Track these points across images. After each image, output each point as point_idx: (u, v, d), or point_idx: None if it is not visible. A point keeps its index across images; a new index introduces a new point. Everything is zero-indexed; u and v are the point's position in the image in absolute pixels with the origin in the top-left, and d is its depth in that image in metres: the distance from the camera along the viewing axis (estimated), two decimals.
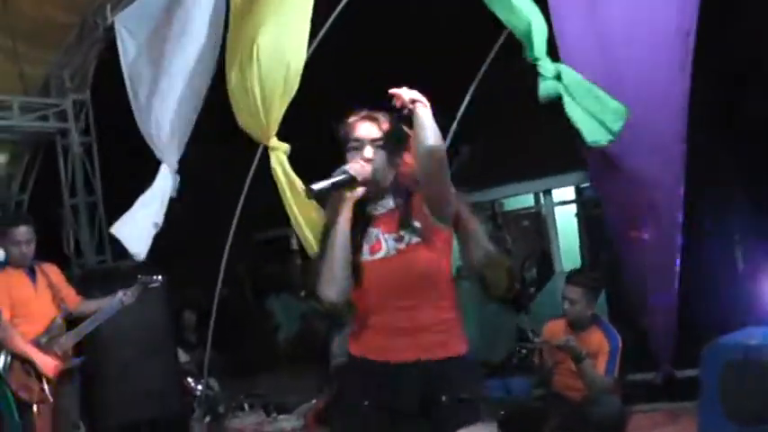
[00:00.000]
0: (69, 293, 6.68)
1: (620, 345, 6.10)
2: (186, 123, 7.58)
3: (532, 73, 5.87)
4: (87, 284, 7.15)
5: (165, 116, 7.59)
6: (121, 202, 10.28)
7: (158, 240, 7.48)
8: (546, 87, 5.77)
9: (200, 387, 9.21)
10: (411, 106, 3.14)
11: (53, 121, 9.54)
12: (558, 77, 5.86)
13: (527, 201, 15.15)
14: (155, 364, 7.97)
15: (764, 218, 7.16)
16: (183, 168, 7.75)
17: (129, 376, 7.66)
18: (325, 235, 3.37)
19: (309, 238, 6.45)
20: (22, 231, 6.42)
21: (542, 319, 8.24)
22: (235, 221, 9.12)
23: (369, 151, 3.35)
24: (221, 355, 10.51)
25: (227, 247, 9.25)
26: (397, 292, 3.33)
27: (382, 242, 3.37)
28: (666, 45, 6.09)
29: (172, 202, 7.69)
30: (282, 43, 6.21)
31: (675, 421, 6.50)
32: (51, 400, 6.28)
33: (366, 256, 3.37)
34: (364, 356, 3.43)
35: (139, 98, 7.96)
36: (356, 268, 3.34)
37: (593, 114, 5.80)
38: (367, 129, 3.40)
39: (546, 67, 5.84)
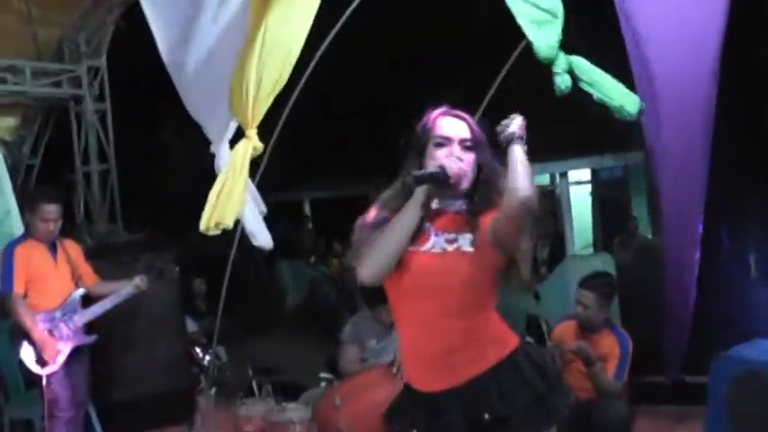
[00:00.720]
0: (87, 271, 6.72)
1: (631, 349, 6.12)
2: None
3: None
4: (98, 258, 7.11)
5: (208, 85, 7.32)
6: (135, 171, 10.35)
7: (171, 207, 7.39)
8: (560, 82, 5.69)
9: (207, 357, 9.18)
10: (514, 135, 3.12)
11: (66, 87, 9.46)
12: (571, 71, 5.79)
13: (542, 180, 15.12)
14: (162, 337, 8.00)
15: None
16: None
17: (136, 350, 7.68)
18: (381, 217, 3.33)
19: (212, 220, 6.27)
20: (53, 210, 6.45)
21: (552, 302, 8.28)
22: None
23: (459, 151, 3.27)
24: (229, 321, 10.48)
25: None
26: (429, 291, 3.24)
27: (431, 237, 3.28)
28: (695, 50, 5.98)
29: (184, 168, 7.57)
30: (289, 25, 6.09)
31: (681, 425, 6.50)
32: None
33: (410, 245, 3.27)
34: (414, 386, 3.39)
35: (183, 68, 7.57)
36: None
37: (611, 96, 5.75)
38: (457, 127, 3.32)
39: (558, 63, 5.77)
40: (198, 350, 8.98)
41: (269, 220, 9.12)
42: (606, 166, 15.16)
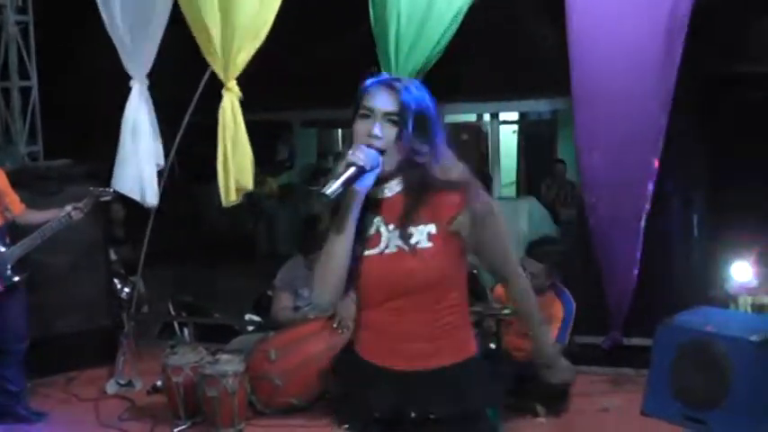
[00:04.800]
0: (14, 200, 6.30)
1: (574, 313, 6.05)
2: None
3: None
4: (19, 184, 6.67)
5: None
6: (59, 89, 9.86)
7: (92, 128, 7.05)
8: None
9: (126, 290, 8.90)
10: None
11: None
12: None
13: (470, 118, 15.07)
14: (85, 270, 7.64)
15: (721, 191, 7.25)
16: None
17: (56, 284, 7.29)
18: (324, 234, 3.00)
19: (232, 188, 6.65)
20: None
21: None
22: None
23: (377, 127, 2.93)
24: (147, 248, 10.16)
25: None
26: (388, 293, 3.00)
27: (382, 234, 3.00)
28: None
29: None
30: None
31: (618, 388, 6.48)
32: None
33: (364, 249, 3.02)
34: (366, 359, 3.13)
35: None
36: (354, 259, 3.00)
37: None
38: (383, 98, 2.97)
39: None
40: (117, 282, 8.69)
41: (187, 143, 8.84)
42: (538, 109, 15.15)
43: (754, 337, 5.29)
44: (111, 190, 6.53)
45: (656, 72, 5.97)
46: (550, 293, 6.10)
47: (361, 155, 2.85)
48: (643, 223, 6.17)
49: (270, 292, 7.23)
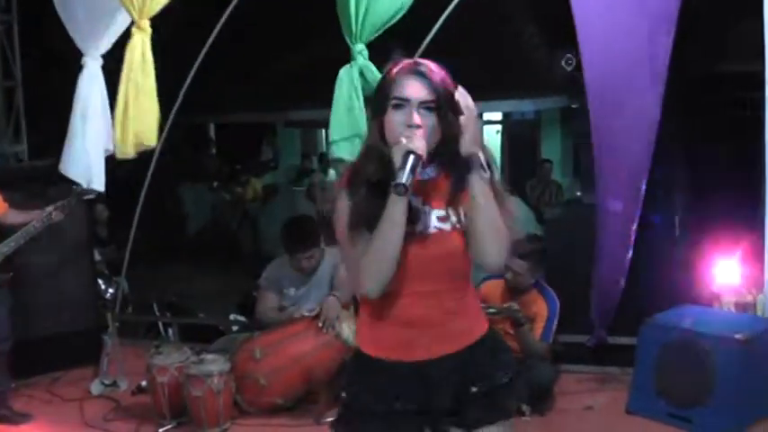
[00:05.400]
0: None
1: (558, 310, 6.07)
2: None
3: None
4: (4, 185, 6.63)
5: None
6: (43, 89, 9.82)
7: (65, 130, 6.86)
8: None
9: (111, 290, 8.89)
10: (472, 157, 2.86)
11: None
12: None
13: None
14: (70, 270, 7.58)
15: (705, 190, 7.29)
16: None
17: (41, 285, 7.26)
18: (365, 223, 2.94)
19: (129, 141, 6.15)
20: None
21: None
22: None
23: (416, 117, 2.90)
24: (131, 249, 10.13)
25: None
26: (424, 275, 2.99)
27: (421, 215, 2.99)
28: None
29: None
30: None
31: (603, 387, 6.48)
32: None
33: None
34: (386, 357, 3.08)
35: None
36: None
37: None
38: (416, 87, 2.93)
39: None
40: (101, 282, 8.68)
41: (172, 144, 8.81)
42: (522, 109, 15.19)
43: (738, 336, 5.34)
44: (94, 189, 6.46)
45: (651, 74, 5.98)
46: (534, 291, 6.10)
47: (418, 143, 2.84)
48: (635, 226, 6.18)
49: (255, 292, 7.22)
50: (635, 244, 6.22)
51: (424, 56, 6.72)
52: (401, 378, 3.04)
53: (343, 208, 3.00)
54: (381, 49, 5.61)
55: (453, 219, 2.98)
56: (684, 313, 5.98)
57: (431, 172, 3.01)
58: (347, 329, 5.95)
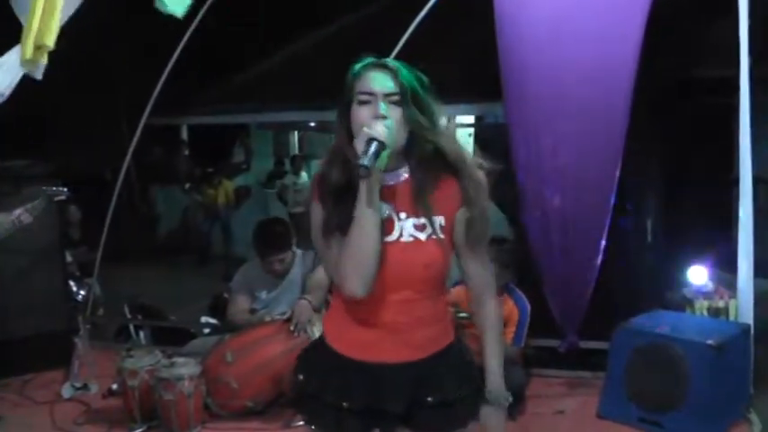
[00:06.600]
0: None
1: (529, 314, 6.08)
2: None
3: None
4: None
5: None
6: (15, 89, 9.72)
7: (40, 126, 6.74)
8: None
9: (82, 292, 8.83)
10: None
11: None
12: None
13: None
14: (40, 271, 7.50)
15: (677, 194, 7.32)
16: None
17: (10, 286, 7.19)
18: (338, 228, 2.93)
19: (30, 44, 5.66)
20: None
21: None
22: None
23: (383, 108, 2.88)
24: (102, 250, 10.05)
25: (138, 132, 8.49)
26: (398, 284, 2.97)
27: (395, 223, 2.97)
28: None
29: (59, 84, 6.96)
30: None
31: (574, 391, 6.49)
32: None
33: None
34: (346, 354, 3.08)
35: None
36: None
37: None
38: (381, 80, 2.91)
39: None
40: (72, 284, 8.61)
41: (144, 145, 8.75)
42: (495, 112, 15.18)
43: (710, 341, 5.36)
44: (65, 189, 6.39)
45: (618, 79, 6.01)
46: (505, 296, 6.08)
47: (379, 129, 2.81)
48: (605, 232, 6.20)
49: (226, 295, 7.19)
50: (608, 248, 6.25)
51: (397, 58, 6.78)
52: (355, 376, 3.04)
53: (315, 216, 3.00)
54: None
55: (429, 229, 2.96)
56: (657, 318, 5.99)
57: (401, 176, 2.99)
58: (318, 332, 5.92)
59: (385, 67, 2.93)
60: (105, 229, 8.56)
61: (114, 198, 8.56)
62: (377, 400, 3.01)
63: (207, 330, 7.72)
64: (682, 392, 5.42)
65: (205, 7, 7.63)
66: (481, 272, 3.11)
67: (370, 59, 2.98)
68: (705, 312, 6.17)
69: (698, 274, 6.41)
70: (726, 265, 6.28)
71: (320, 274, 6.21)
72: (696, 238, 6.84)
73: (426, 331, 3.04)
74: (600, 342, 6.37)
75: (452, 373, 3.08)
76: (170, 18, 6.02)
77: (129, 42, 6.95)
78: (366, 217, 2.85)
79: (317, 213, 3.00)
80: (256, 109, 15.26)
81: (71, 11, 6.17)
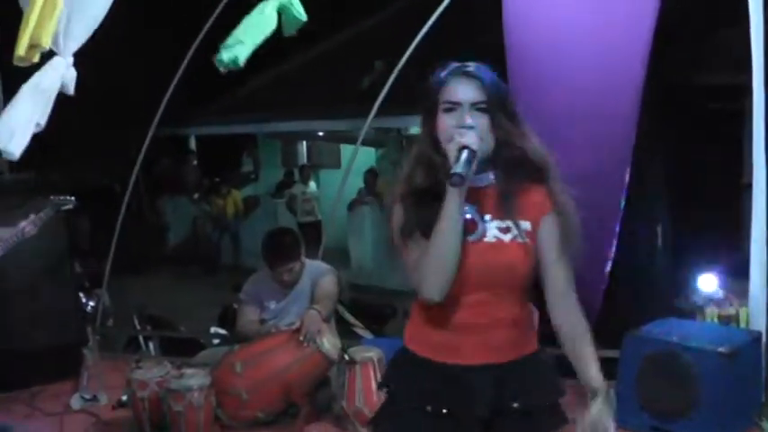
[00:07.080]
0: None
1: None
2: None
3: None
4: None
5: None
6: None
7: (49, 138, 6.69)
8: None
9: (91, 303, 8.84)
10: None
11: None
12: None
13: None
14: (49, 283, 7.49)
15: (687, 201, 7.29)
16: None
17: (20, 298, 7.19)
18: (418, 229, 2.94)
19: (24, 42, 5.51)
20: None
21: None
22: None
23: (470, 118, 2.88)
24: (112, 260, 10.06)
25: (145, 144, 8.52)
26: (478, 284, 2.96)
27: (478, 223, 2.97)
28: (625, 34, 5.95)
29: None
30: None
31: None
32: None
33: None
34: (427, 357, 3.08)
35: None
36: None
37: None
38: (467, 89, 2.91)
39: None
40: (81, 295, 8.62)
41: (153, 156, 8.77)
42: None
43: (721, 349, 5.32)
44: (72, 199, 6.37)
45: (626, 85, 6.00)
46: None
47: (470, 138, 2.82)
48: (614, 240, 6.18)
49: (235, 305, 7.18)
50: (618, 256, 6.22)
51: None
52: (436, 378, 3.03)
53: (396, 218, 3.01)
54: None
55: (515, 231, 2.96)
56: (667, 325, 5.96)
57: (487, 179, 3.00)
58: (327, 343, 5.91)
59: (470, 74, 2.93)
60: (114, 240, 8.58)
61: (123, 209, 8.56)
62: (460, 403, 3.00)
63: (216, 341, 7.73)
64: (693, 400, 5.38)
65: (211, 19, 7.65)
66: (564, 277, 3.07)
67: (454, 66, 2.98)
68: (715, 320, 6.15)
69: (708, 282, 6.38)
70: (735, 273, 6.25)
71: (329, 285, 6.20)
72: (706, 246, 6.80)
73: (505, 333, 3.03)
74: (610, 350, 6.33)
75: (539, 380, 3.10)
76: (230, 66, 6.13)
77: (139, 55, 6.97)
78: (451, 224, 2.85)
79: (399, 215, 3.01)
80: (265, 119, 15.32)
81: (95, 24, 6.21)
